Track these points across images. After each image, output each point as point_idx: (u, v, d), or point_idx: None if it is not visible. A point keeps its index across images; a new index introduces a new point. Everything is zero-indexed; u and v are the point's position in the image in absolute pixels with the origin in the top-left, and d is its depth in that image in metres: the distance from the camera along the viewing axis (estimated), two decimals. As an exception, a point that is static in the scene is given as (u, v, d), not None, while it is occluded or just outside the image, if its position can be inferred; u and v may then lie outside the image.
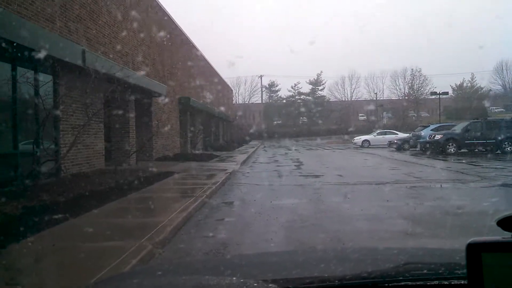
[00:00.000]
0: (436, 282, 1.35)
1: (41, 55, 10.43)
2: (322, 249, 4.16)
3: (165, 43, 25.52)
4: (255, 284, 1.39)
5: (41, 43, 10.25)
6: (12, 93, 10.47)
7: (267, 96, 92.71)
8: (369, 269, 1.50)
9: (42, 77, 11.66)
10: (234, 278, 1.47)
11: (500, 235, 1.10)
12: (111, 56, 16.22)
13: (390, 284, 1.35)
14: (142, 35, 20.92)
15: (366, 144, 40.66)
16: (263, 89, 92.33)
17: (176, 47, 28.33)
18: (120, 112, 15.77)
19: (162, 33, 24.86)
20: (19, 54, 10.13)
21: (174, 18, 27.85)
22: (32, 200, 8.44)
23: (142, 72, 19.64)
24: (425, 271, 1.46)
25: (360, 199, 11.09)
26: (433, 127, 31.47)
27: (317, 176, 16.06)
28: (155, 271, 2.01)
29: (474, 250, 1.05)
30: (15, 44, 9.41)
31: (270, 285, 1.38)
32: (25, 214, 7.42)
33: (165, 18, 26.05)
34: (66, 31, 13.00)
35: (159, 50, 24.14)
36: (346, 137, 56.08)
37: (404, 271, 1.45)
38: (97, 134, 14.99)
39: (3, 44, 9.22)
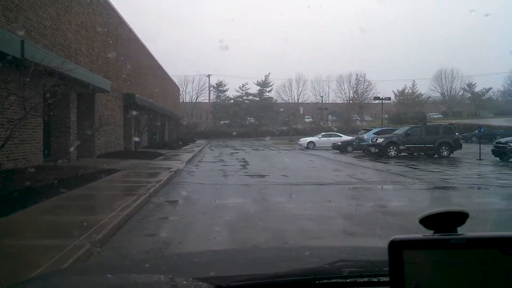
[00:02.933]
0: (366, 279, 1.37)
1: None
2: (262, 248, 4.16)
3: (110, 38, 24.90)
4: (184, 282, 1.36)
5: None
6: None
7: (215, 96, 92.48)
8: (303, 267, 1.51)
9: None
10: (162, 276, 1.43)
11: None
12: (52, 48, 15.62)
13: (320, 282, 1.36)
14: (86, 29, 20.31)
15: (311, 145, 41.30)
16: (211, 88, 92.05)
17: (121, 43, 27.69)
18: (61, 107, 15.20)
19: (107, 28, 24.25)
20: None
21: (120, 13, 27.28)
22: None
23: (85, 67, 19.07)
24: (355, 269, 1.48)
25: (304, 199, 11.24)
26: (375, 131, 32.35)
27: (262, 176, 16.15)
28: (85, 270, 1.94)
29: (396, 247, 1.06)
30: None
31: (200, 283, 1.35)
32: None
33: (111, 12, 25.45)
34: (4, 20, 12.40)
35: (104, 45, 23.52)
36: (292, 138, 56.78)
37: (335, 269, 1.46)
38: (35, 128, 14.38)
39: None
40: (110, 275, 1.60)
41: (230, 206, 9.94)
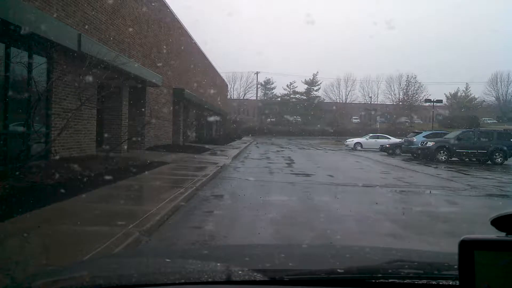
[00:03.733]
0: (424, 281, 1.33)
1: (36, 36, 10.32)
2: (311, 245, 4.12)
3: (162, 34, 25.39)
4: (240, 272, 1.35)
5: (36, 24, 10.12)
6: (5, 73, 10.33)
7: (262, 93, 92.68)
8: (357, 265, 1.48)
9: (36, 59, 11.53)
10: (219, 264, 1.43)
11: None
12: (107, 42, 16.08)
13: (377, 281, 1.33)
14: (139, 24, 20.79)
15: (358, 146, 40.73)
16: (259, 86, 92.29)
17: (173, 39, 28.18)
18: (114, 99, 15.64)
19: (159, 24, 24.74)
20: (13, 34, 10.00)
21: (172, 9, 27.73)
22: (20, 181, 8.34)
23: (138, 61, 19.53)
24: (413, 270, 1.44)
25: (350, 200, 11.10)
26: (425, 134, 31.53)
27: (308, 175, 16.05)
28: (141, 254, 1.96)
29: (467, 247, 1.03)
30: (9, 24, 9.27)
31: (255, 274, 1.34)
32: (12, 195, 7.32)
33: (164, 8, 25.91)
34: (63, 14, 12.85)
35: (156, 40, 24.00)
36: (338, 138, 56.18)
37: (392, 269, 1.42)
38: (89, 119, 14.86)
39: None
40: (168, 259, 1.62)
41: (275, 203, 9.94)
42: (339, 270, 1.38)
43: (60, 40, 11.35)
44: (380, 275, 1.35)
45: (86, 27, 14.31)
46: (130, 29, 19.35)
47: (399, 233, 7.47)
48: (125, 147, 18.16)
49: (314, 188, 12.78)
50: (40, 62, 11.55)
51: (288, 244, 5.07)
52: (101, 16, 15.83)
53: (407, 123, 74.97)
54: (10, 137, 10.60)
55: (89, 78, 12.79)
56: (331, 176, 16.10)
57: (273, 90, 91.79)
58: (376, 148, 37.25)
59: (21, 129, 10.41)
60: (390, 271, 1.41)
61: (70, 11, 13.29)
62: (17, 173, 8.74)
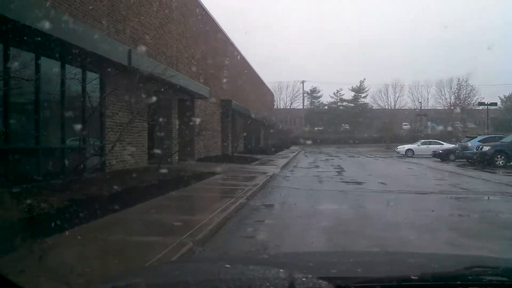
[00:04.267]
0: None
1: (89, 54, 10.68)
2: (370, 252, 3.97)
3: (209, 46, 25.75)
4: (304, 279, 1.28)
5: (89, 42, 10.48)
6: (61, 90, 10.74)
7: (309, 102, 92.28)
8: (431, 271, 1.37)
9: (89, 75, 11.94)
10: (281, 270, 1.36)
11: None
12: (156, 57, 16.45)
13: None
14: (186, 38, 21.16)
15: (409, 153, 39.67)
16: (305, 94, 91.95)
17: (220, 51, 28.55)
18: (164, 111, 15.94)
19: (206, 37, 25.11)
20: (67, 52, 10.38)
21: (218, 22, 28.11)
22: (77, 193, 8.59)
23: (186, 74, 19.86)
24: (496, 277, 1.32)
25: (404, 207, 10.79)
26: (480, 139, 30.31)
27: (359, 183, 15.74)
28: (197, 261, 1.93)
29: None
30: (64, 43, 9.63)
31: (321, 281, 1.26)
32: (70, 207, 7.55)
33: (210, 22, 26.30)
34: (114, 31, 13.26)
35: (203, 52, 24.36)
36: (388, 145, 55.02)
37: (472, 275, 1.31)
38: (141, 132, 15.21)
39: (53, 43, 9.47)
40: (228, 265, 1.57)
41: (326, 212, 9.77)
42: (412, 277, 1.28)
43: (111, 56, 11.69)
44: (459, 282, 1.24)
45: (136, 42, 14.69)
46: (178, 43, 19.73)
47: (458, 241, 7.16)
48: (176, 158, 18.46)
49: (366, 196, 12.50)
50: (93, 77, 11.94)
51: (347, 251, 4.93)
52: (149, 31, 16.23)
53: (460, 128, 72.57)
54: (67, 151, 10.99)
55: (140, 92, 13.11)
56: (383, 183, 15.71)
57: (320, 99, 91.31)
58: (429, 154, 36.18)
59: (77, 143, 10.76)
60: (470, 277, 1.29)
61: (120, 28, 13.70)
62: (74, 186, 9.01)
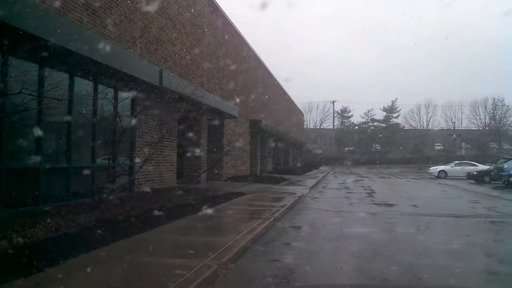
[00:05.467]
0: None
1: (121, 74, 10.86)
2: (401, 285, 3.76)
3: (239, 66, 25.92)
4: None
5: (122, 62, 10.67)
6: (92, 109, 10.91)
7: (339, 122, 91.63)
8: None
9: (120, 94, 12.11)
10: None
11: None
12: (186, 77, 16.62)
13: None
14: (217, 58, 21.35)
15: (442, 174, 38.75)
16: (335, 114, 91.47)
17: (250, 71, 28.69)
18: (193, 131, 16.02)
19: (236, 57, 25.29)
20: (100, 73, 10.58)
21: (248, 41, 28.31)
22: (105, 213, 8.63)
23: (216, 94, 19.98)
24: None
25: (437, 231, 10.45)
26: (517, 160, 29.44)
27: (390, 205, 15.38)
28: None
29: None
30: (97, 63, 9.82)
31: None
32: (97, 226, 7.57)
33: (240, 41, 26.51)
34: (146, 52, 13.47)
35: (233, 72, 24.52)
36: (421, 166, 53.97)
37: None
38: (170, 152, 15.30)
39: (87, 63, 9.66)
40: None
41: (356, 235, 9.52)
42: None
43: (143, 77, 11.85)
44: None
45: (167, 63, 14.89)
46: (208, 63, 19.92)
47: (497, 268, 6.85)
48: (204, 178, 18.47)
49: (397, 219, 12.17)
50: (124, 97, 12.11)
51: (375, 285, 4.72)
52: (180, 52, 16.43)
53: (495, 149, 70.69)
54: (97, 171, 11.10)
55: (170, 112, 13.22)
56: (415, 206, 15.31)
57: (350, 119, 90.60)
58: (462, 176, 35.28)
59: (106, 162, 10.87)
60: None
61: (152, 49, 13.91)
62: (103, 205, 9.06)
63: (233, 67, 24.35)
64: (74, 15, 9.98)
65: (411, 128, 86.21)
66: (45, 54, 8.47)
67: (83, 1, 10.30)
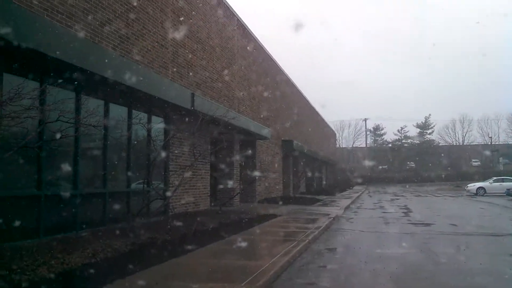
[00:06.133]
0: None
1: (154, 99, 11.05)
2: None
3: (270, 87, 26.05)
4: None
5: (155, 88, 10.88)
6: (127, 134, 11.10)
7: (372, 140, 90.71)
8: None
9: (154, 119, 12.32)
10: None
11: None
12: (218, 99, 16.79)
13: None
14: (248, 80, 21.53)
15: (481, 191, 37.64)
16: (368, 132, 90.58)
17: (280, 91, 28.77)
18: (225, 153, 16.10)
19: (267, 78, 25.44)
20: (134, 98, 10.80)
21: (279, 63, 28.47)
22: (140, 237, 8.70)
23: (247, 115, 20.08)
24: None
25: (478, 251, 10.11)
26: (560, 175, 28.43)
27: (427, 225, 15.00)
28: None
29: None
30: (132, 89, 10.04)
31: None
32: (133, 251, 7.64)
33: (270, 63, 26.68)
34: (178, 76, 13.69)
35: (264, 93, 24.63)
36: (457, 183, 52.61)
37: None
38: (203, 174, 15.39)
39: (121, 90, 9.89)
40: None
41: (393, 257, 9.30)
42: None
43: (176, 101, 12.03)
44: None
45: (198, 86, 15.09)
46: (239, 85, 20.09)
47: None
48: (237, 200, 18.47)
49: (435, 239, 11.85)
50: (157, 121, 12.30)
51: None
52: (212, 75, 16.64)
53: (536, 164, 68.39)
54: (132, 195, 11.24)
55: (202, 134, 13.35)
56: (454, 225, 14.88)
57: (383, 136, 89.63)
58: (502, 193, 34.22)
59: (141, 186, 11.00)
60: None
61: (184, 73, 14.14)
62: (138, 229, 9.14)
63: (263, 89, 24.49)
64: (109, 43, 10.27)
65: (446, 144, 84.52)
66: (81, 82, 8.72)
67: (116, 29, 10.60)
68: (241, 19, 20.50)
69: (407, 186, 56.51)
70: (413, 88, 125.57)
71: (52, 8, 8.55)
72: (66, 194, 8.90)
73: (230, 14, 19.21)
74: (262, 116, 23.68)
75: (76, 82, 8.75)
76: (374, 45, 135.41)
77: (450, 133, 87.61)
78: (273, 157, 25.97)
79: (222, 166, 17.69)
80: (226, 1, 18.50)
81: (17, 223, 7.54)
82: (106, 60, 9.14)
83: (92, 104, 9.01)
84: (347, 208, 21.76)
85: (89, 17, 9.63)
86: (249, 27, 21.74)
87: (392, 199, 31.53)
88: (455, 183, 54.58)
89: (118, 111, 10.87)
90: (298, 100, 35.88)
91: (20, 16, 7.03)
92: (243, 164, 20.02)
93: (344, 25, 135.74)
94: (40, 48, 7.25)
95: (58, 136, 7.65)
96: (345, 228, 14.14)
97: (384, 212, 20.35)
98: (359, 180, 59.83)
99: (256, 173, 20.16)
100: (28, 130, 7.13)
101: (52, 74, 8.09)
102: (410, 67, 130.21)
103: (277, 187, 26.91)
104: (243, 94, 20.71)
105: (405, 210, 21.35)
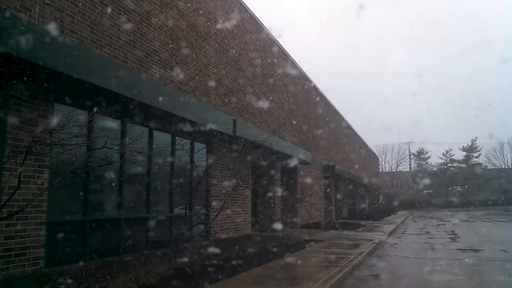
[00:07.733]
0: None
1: (197, 125, 11.30)
2: None
3: (311, 111, 26.09)
4: None
5: (199, 115, 11.14)
6: (170, 160, 11.37)
7: (416, 164, 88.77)
8: None
9: (196, 145, 12.56)
10: None
11: None
12: (259, 125, 16.96)
13: None
14: (288, 104, 21.66)
15: (532, 216, 36.05)
16: (412, 156, 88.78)
17: (321, 116, 28.76)
18: (267, 178, 16.15)
19: (307, 103, 25.52)
20: (178, 125, 11.07)
21: (320, 88, 28.52)
22: (183, 261, 8.81)
23: (288, 140, 20.14)
24: None
25: (532, 279, 9.65)
26: None
27: (476, 251, 14.47)
28: None
29: None
30: (176, 117, 10.32)
31: None
32: (175, 276, 7.74)
33: (310, 87, 26.77)
34: (220, 102, 13.96)
35: (306, 118, 24.70)
36: (507, 208, 50.54)
37: None
38: (244, 199, 15.47)
39: (165, 116, 10.18)
40: None
41: (441, 283, 9.02)
42: None
43: (218, 127, 12.25)
44: None
45: (240, 112, 15.31)
46: (280, 110, 20.24)
47: None
48: (279, 225, 18.40)
49: (485, 265, 11.41)
50: (199, 147, 12.53)
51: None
52: (253, 101, 16.85)
53: None
54: (174, 220, 11.43)
55: (244, 160, 13.48)
56: (504, 251, 14.29)
57: (428, 160, 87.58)
58: (557, 218, 32.60)
59: (183, 211, 11.18)
60: None
61: (226, 100, 14.40)
62: (180, 254, 9.26)
63: (305, 113, 24.56)
64: (154, 72, 10.64)
65: (494, 167, 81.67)
66: (126, 110, 9.04)
67: (161, 59, 10.97)
68: (282, 46, 20.79)
69: (453, 211, 54.72)
70: (459, 112, 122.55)
71: (100, 40, 8.97)
72: (111, 219, 9.15)
73: (271, 41, 19.52)
74: (303, 141, 23.69)
75: (121, 110, 9.09)
76: (414, 70, 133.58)
77: (498, 156, 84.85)
78: (315, 182, 25.82)
79: (263, 191, 17.74)
80: (267, 31, 18.82)
81: (64, 247, 7.80)
82: (151, 89, 9.46)
83: (137, 131, 9.31)
84: (391, 233, 21.27)
85: (136, 51, 10.03)
86: (289, 53, 21.98)
87: (438, 224, 30.56)
88: (504, 208, 52.44)
89: (162, 138, 11.18)
90: (340, 125, 35.71)
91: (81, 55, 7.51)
92: (284, 189, 19.99)
93: (379, 46, 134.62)
94: (95, 81, 7.64)
95: (104, 162, 7.92)
96: (389, 253, 13.82)
97: (429, 238, 19.76)
98: (403, 205, 58.41)
99: (298, 198, 20.05)
100: (75, 157, 7.44)
101: (99, 103, 8.44)
102: (454, 91, 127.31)
103: (318, 212, 26.65)
104: (283, 119, 20.82)
105: (452, 236, 20.67)
